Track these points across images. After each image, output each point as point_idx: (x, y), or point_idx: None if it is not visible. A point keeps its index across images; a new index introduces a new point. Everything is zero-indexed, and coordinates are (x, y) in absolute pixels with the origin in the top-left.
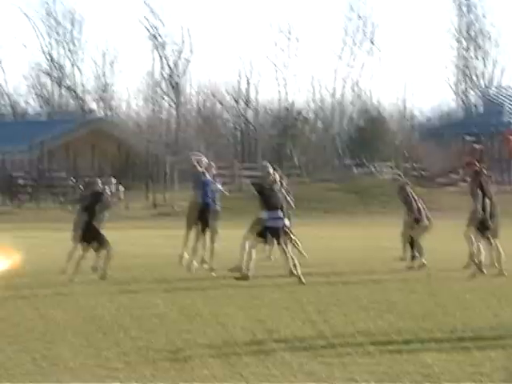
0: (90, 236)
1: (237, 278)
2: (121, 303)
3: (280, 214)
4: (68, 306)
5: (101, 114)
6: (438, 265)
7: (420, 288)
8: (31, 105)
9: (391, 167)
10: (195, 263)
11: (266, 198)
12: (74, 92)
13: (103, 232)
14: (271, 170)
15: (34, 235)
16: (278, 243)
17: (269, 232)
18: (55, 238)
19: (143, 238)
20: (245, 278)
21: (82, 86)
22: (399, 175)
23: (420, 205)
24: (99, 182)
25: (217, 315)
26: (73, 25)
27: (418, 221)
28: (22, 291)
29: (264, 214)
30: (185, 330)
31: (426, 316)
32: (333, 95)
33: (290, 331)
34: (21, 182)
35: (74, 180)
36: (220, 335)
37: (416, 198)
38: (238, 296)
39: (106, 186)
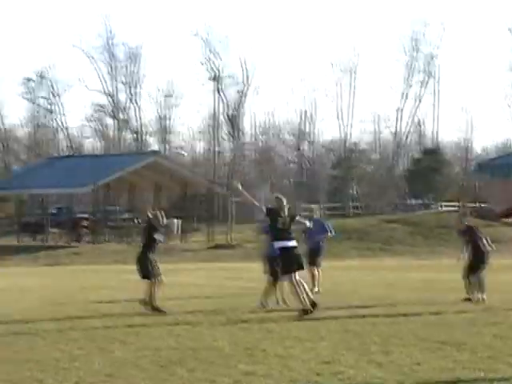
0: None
1: (300, 315)
2: (178, 335)
3: (291, 242)
4: (126, 339)
5: (160, 149)
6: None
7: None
8: (92, 143)
9: (456, 205)
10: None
11: (276, 226)
12: (135, 131)
13: (154, 263)
14: (285, 203)
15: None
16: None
17: (286, 260)
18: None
19: (201, 270)
20: (306, 312)
21: (141, 121)
22: (464, 212)
23: (481, 236)
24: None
25: (276, 350)
26: (135, 64)
27: (482, 257)
28: (80, 324)
29: (276, 244)
30: (243, 362)
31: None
32: (394, 132)
33: (356, 372)
34: (82, 219)
35: (137, 220)
36: (281, 370)
37: (477, 230)
38: (298, 332)
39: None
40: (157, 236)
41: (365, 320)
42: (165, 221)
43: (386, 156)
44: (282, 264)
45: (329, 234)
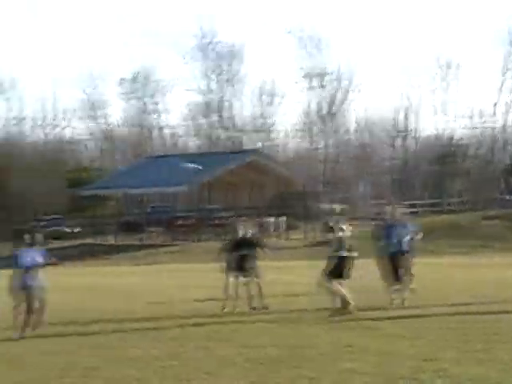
0: (242, 268)
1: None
2: (278, 333)
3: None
4: (225, 337)
5: (258, 148)
6: None
7: None
8: (191, 142)
9: None
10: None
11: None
12: (233, 128)
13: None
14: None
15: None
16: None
17: (343, 265)
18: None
19: (301, 267)
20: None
21: (240, 121)
22: None
23: None
24: (240, 226)
25: (376, 347)
26: (231, 63)
27: None
28: (179, 322)
29: (341, 253)
30: (343, 360)
31: None
32: (493, 126)
33: (457, 369)
34: (181, 218)
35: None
36: (382, 367)
37: None
38: (398, 330)
39: (245, 229)
40: (240, 252)
41: (465, 317)
42: (249, 233)
43: (485, 151)
44: (332, 268)
45: (416, 235)
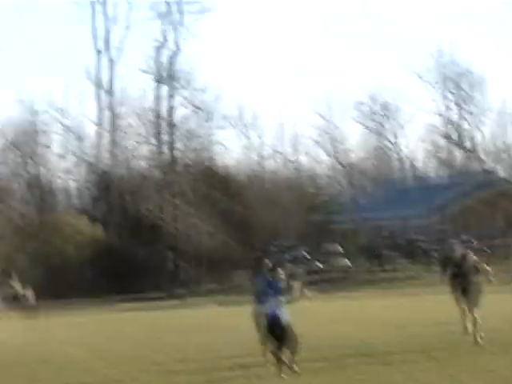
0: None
1: None
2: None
3: None
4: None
5: (502, 174)
6: None
7: None
8: (431, 168)
9: None
10: None
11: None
12: (474, 153)
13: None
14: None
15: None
16: None
17: None
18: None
19: None
20: None
21: (482, 146)
22: None
23: None
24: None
25: None
26: (471, 86)
27: None
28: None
29: None
30: None
31: None
32: None
33: None
34: (422, 245)
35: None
36: None
37: None
38: None
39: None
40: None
41: None
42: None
43: None
44: None
45: None
